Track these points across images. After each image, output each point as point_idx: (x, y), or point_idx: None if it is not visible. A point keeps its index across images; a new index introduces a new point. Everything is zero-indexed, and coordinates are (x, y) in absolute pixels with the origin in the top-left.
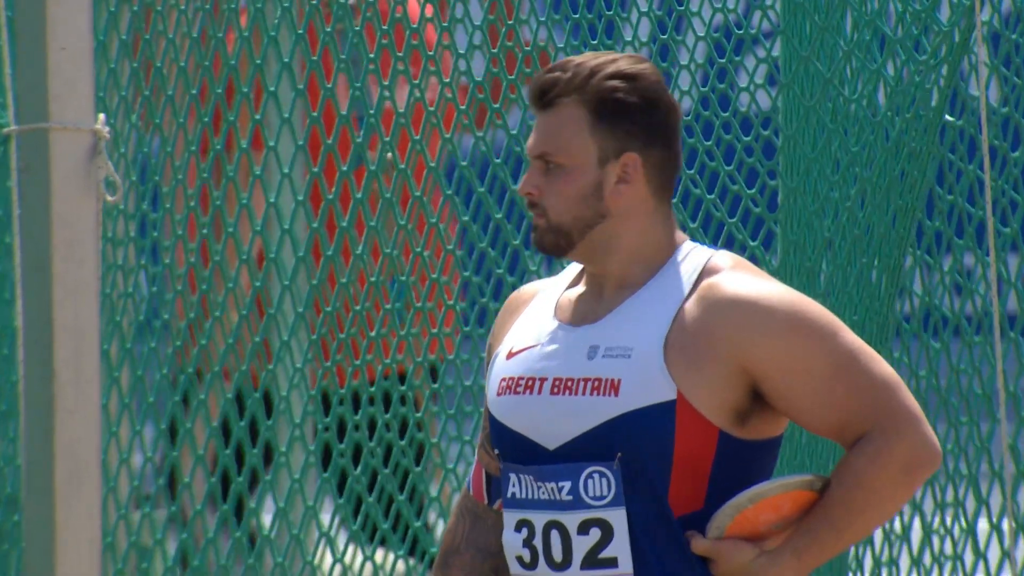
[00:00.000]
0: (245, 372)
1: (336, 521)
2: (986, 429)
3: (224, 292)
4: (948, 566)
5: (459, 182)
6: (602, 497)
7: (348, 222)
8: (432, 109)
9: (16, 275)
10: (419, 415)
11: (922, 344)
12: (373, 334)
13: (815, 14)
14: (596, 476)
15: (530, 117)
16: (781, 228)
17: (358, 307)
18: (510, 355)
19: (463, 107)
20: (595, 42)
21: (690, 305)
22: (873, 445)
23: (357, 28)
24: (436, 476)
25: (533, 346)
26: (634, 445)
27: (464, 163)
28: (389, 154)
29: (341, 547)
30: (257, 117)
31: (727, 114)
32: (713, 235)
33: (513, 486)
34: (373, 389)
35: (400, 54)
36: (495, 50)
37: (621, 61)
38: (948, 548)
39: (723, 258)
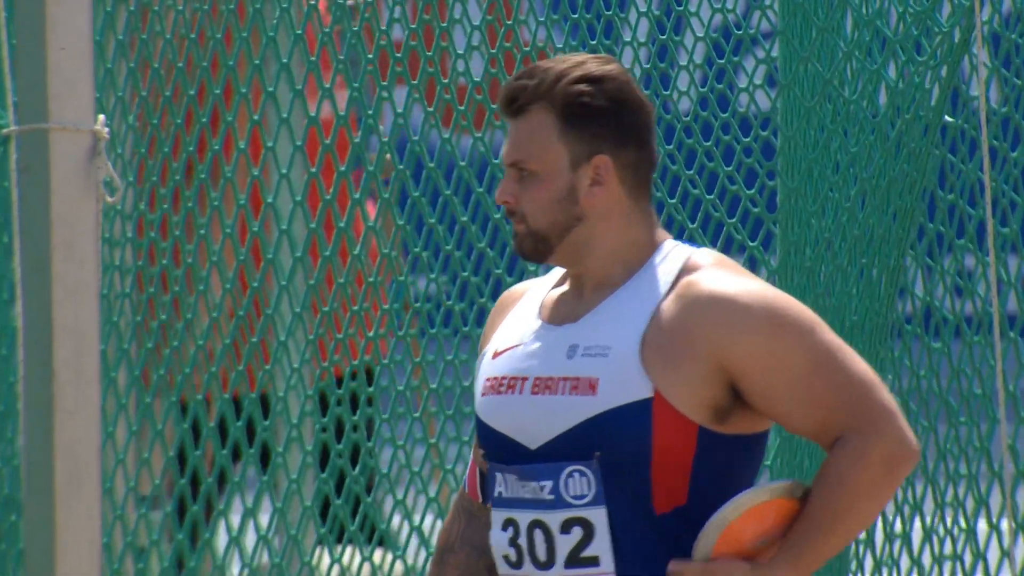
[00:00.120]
0: (242, 372)
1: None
2: (986, 429)
3: (222, 293)
4: (948, 566)
5: (458, 182)
6: (583, 496)
7: (346, 222)
8: (431, 109)
9: (16, 276)
10: (356, 418)
11: (923, 345)
12: (340, 335)
13: (815, 15)
14: (576, 475)
15: None
16: (781, 228)
17: (325, 308)
18: (495, 355)
19: (462, 107)
20: (594, 42)
21: (668, 303)
22: (852, 444)
23: (355, 28)
24: (435, 476)
25: (516, 346)
26: (612, 444)
27: (463, 163)
28: (388, 155)
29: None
30: (256, 118)
31: (726, 115)
32: (712, 235)
33: (499, 485)
34: (341, 391)
35: (398, 55)
36: (494, 50)
37: (588, 64)
38: (948, 548)
39: (703, 256)
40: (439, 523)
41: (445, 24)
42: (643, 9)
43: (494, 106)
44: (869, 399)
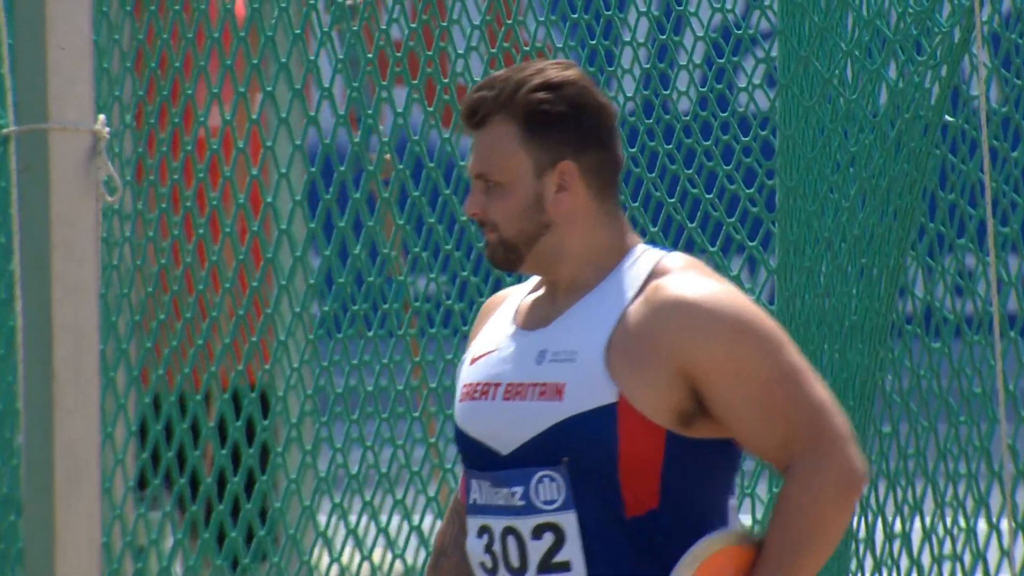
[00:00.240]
0: (241, 372)
1: (333, 521)
2: (985, 429)
3: (221, 293)
4: (948, 566)
5: (457, 182)
6: (552, 501)
7: (346, 222)
8: (431, 109)
9: (15, 275)
10: (264, 424)
11: (923, 345)
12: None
13: (814, 14)
14: (546, 480)
15: None
16: (780, 228)
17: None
18: (472, 361)
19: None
20: (593, 42)
21: (635, 307)
22: (806, 472)
23: (355, 28)
24: (435, 476)
25: (492, 351)
26: (579, 449)
27: (463, 163)
28: (388, 155)
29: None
30: (254, 118)
31: (725, 114)
32: (711, 235)
33: (474, 492)
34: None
35: (398, 54)
36: (494, 50)
37: (546, 71)
38: (948, 548)
39: (674, 259)
40: (439, 523)
41: (445, 24)
42: (643, 9)
43: None
44: (825, 423)
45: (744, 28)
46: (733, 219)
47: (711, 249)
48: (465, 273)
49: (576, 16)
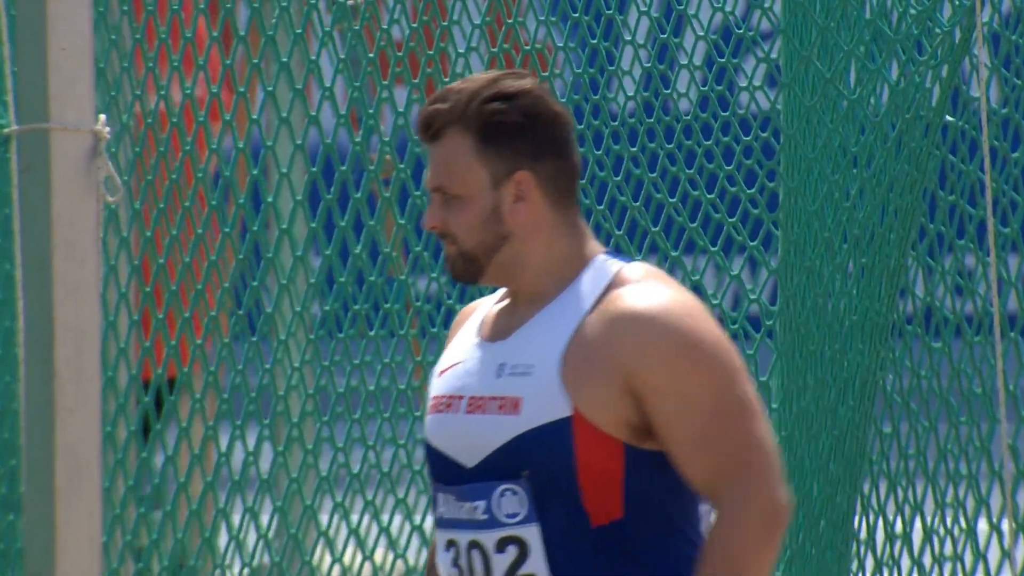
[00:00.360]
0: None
1: (335, 520)
2: (986, 429)
3: (220, 292)
4: (948, 566)
5: None
6: (515, 515)
7: (347, 222)
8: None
9: (17, 275)
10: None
11: (923, 345)
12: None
13: (816, 14)
14: (508, 494)
15: None
16: (782, 228)
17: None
18: (440, 373)
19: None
20: (593, 41)
21: (592, 318)
22: (731, 507)
23: (356, 28)
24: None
25: (457, 364)
26: (537, 462)
27: None
28: (388, 155)
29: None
30: (254, 117)
31: (726, 114)
32: (712, 236)
33: (441, 505)
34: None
35: (399, 54)
36: (494, 50)
37: (500, 81)
38: (948, 548)
39: (633, 270)
40: None
41: (445, 24)
42: (643, 8)
43: None
44: (756, 460)
45: (745, 28)
46: (734, 219)
47: (712, 249)
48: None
49: (576, 16)
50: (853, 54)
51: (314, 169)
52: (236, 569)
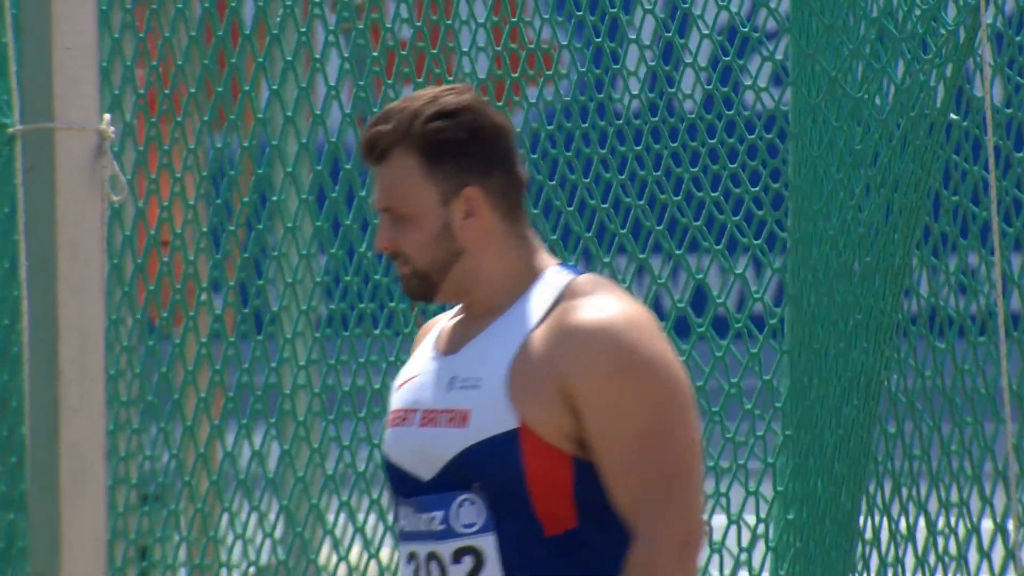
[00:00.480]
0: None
1: (342, 519)
2: (990, 429)
3: (225, 290)
4: (952, 566)
5: None
6: (472, 524)
7: (352, 220)
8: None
9: (20, 274)
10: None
11: (927, 344)
12: None
13: (822, 13)
14: (467, 504)
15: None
16: (788, 227)
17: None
18: (399, 387)
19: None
20: (598, 40)
21: (539, 331)
22: (646, 535)
23: (361, 27)
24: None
25: (414, 377)
26: (487, 474)
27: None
28: None
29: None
30: (260, 115)
31: (731, 112)
32: (716, 235)
33: (402, 519)
34: None
35: (404, 53)
36: (499, 48)
37: (441, 98)
38: (953, 548)
39: (583, 283)
40: None
41: (450, 22)
42: (648, 6)
43: (499, 104)
44: (678, 491)
45: (750, 28)
46: (738, 218)
47: (716, 248)
48: None
49: (581, 14)
50: (859, 53)
51: (319, 168)
52: (242, 568)
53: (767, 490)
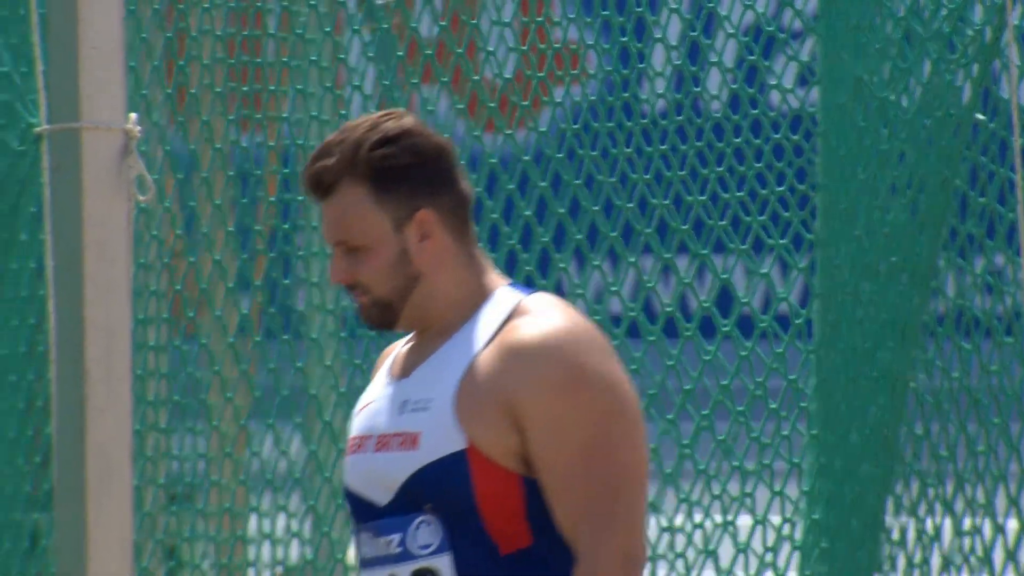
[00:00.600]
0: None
1: None
2: (1016, 429)
3: (252, 289)
4: (978, 566)
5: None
6: (428, 546)
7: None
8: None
9: (47, 274)
10: None
11: (954, 345)
12: None
13: (849, 13)
14: (423, 526)
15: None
16: (816, 226)
17: None
18: (357, 414)
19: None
20: (624, 39)
21: (487, 351)
22: (589, 556)
23: (386, 27)
24: None
25: (370, 403)
26: (438, 496)
27: (493, 160)
28: None
29: None
30: (285, 115)
31: (757, 112)
32: (742, 235)
33: (363, 546)
34: None
35: (429, 52)
36: (524, 48)
37: (382, 125)
38: (979, 548)
39: (533, 301)
40: None
41: (474, 22)
42: (674, 6)
43: (525, 103)
44: (621, 510)
45: (775, 27)
46: (764, 217)
47: (742, 248)
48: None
49: (607, 14)
50: (885, 53)
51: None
52: (270, 568)
53: (792, 490)
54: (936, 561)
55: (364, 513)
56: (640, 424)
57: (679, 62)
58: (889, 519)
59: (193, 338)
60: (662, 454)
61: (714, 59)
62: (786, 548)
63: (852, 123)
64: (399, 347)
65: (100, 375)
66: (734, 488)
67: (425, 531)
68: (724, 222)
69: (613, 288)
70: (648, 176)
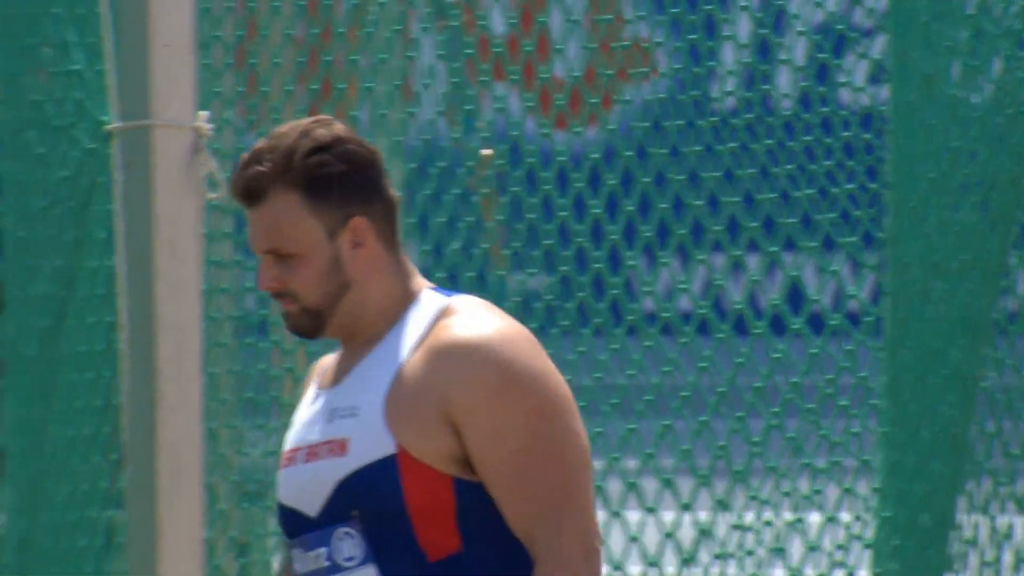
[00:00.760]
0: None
1: None
2: None
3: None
4: None
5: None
6: (352, 558)
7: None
8: (530, 104)
9: (118, 272)
10: None
11: None
12: None
13: (919, 10)
14: (346, 538)
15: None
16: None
17: None
18: (290, 428)
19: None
20: (693, 37)
21: (417, 354)
22: (546, 555)
23: (456, 24)
24: None
25: (301, 416)
26: (366, 502)
27: (561, 158)
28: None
29: None
30: (353, 113)
31: (827, 110)
32: (812, 234)
33: (296, 562)
34: None
35: (499, 49)
36: (595, 45)
37: (314, 132)
38: None
39: (459, 303)
40: None
41: (543, 19)
42: (744, 4)
43: (595, 101)
44: (572, 506)
45: (846, 25)
46: (834, 216)
47: (812, 245)
48: (566, 268)
49: (678, 11)
50: (955, 50)
51: (412, 165)
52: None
53: (862, 488)
54: (1008, 559)
55: (296, 527)
56: (576, 413)
57: (749, 60)
58: (960, 517)
59: (265, 335)
60: (732, 452)
61: (784, 57)
62: (856, 546)
63: (922, 121)
64: (329, 359)
65: (171, 373)
66: (804, 486)
67: (348, 543)
68: (795, 220)
69: (683, 286)
70: (718, 174)
